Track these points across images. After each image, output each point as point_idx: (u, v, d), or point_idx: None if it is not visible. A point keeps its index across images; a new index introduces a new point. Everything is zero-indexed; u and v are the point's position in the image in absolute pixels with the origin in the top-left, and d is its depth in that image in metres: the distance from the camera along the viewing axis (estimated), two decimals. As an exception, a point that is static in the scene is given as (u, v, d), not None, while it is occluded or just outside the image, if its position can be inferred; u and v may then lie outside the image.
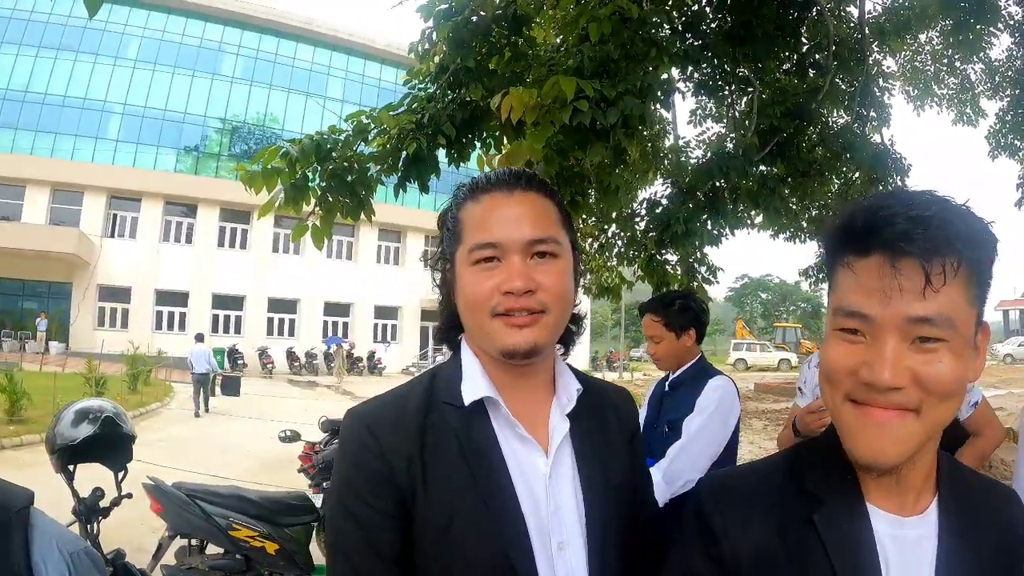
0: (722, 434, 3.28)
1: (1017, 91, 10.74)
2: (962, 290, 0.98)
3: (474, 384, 1.36)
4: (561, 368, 1.46)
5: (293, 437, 6.04)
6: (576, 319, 1.48)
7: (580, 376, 1.49)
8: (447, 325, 1.46)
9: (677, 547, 1.20)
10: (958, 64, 11.37)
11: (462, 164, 7.27)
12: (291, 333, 39.06)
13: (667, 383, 3.66)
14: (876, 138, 9.12)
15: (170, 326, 36.10)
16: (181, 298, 36.27)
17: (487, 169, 6.19)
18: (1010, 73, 10.93)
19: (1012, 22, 9.90)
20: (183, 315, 36.39)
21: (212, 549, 4.75)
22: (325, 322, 40.23)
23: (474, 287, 1.32)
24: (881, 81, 9.80)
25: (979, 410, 3.20)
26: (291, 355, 36.24)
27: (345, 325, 41.01)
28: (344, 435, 1.36)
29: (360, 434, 1.32)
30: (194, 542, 4.75)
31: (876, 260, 0.99)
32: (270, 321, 38.48)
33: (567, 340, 1.49)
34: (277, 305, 38.73)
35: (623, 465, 1.46)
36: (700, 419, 3.26)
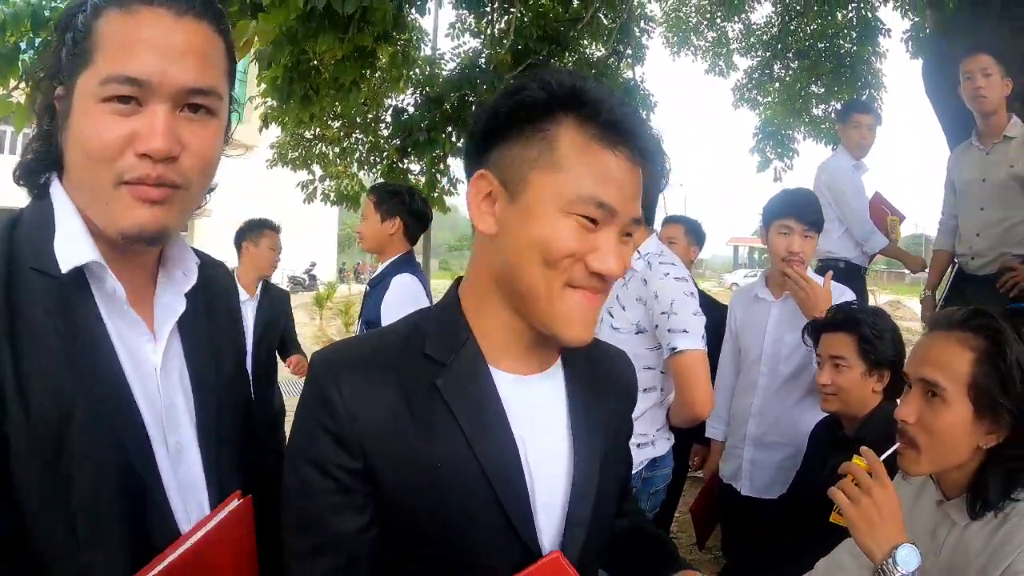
0: None
1: (768, 53, 11.90)
2: None
3: (74, 245, 1.08)
4: (176, 241, 1.26)
5: None
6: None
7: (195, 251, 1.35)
8: (36, 161, 1.15)
9: (300, 431, 1.15)
10: (719, 20, 12.35)
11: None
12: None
13: (368, 282, 3.78)
14: (629, 74, 9.61)
15: None
16: None
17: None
18: (765, 37, 12.08)
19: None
20: None
21: None
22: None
23: (98, 133, 1.04)
24: (643, 22, 10.25)
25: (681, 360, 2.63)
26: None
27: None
28: None
29: None
30: None
31: (626, 157, 1.08)
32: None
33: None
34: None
35: (233, 352, 1.38)
36: (385, 317, 3.33)
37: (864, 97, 10.69)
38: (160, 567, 1.02)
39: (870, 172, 5.03)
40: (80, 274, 1.08)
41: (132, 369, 1.12)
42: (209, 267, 1.35)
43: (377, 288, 3.60)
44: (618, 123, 1.07)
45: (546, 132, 1.08)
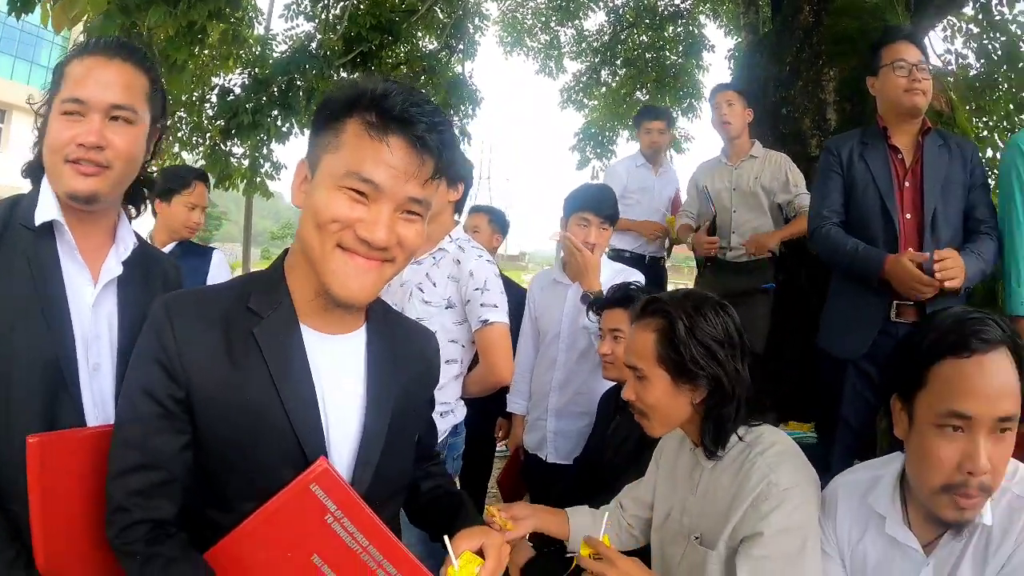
0: None
1: (597, 59, 12.62)
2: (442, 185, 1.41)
3: (46, 209, 1.62)
4: (124, 223, 1.78)
5: None
6: (149, 183, 1.91)
7: (140, 238, 1.83)
8: (36, 163, 1.71)
9: (136, 363, 1.37)
10: (553, 25, 12.94)
11: (24, 15, 6.54)
12: None
13: None
14: (459, 68, 9.76)
15: None
16: None
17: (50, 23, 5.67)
18: (596, 44, 12.76)
19: (611, 4, 11.78)
20: None
21: None
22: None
23: (56, 134, 1.60)
24: (477, 20, 10.43)
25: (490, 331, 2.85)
26: None
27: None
28: None
29: None
30: None
31: (402, 143, 1.27)
32: None
33: (137, 201, 1.89)
34: None
35: None
36: None
37: (685, 105, 11.37)
38: (63, 433, 1.46)
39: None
40: (50, 230, 1.61)
41: (72, 300, 1.61)
42: (158, 258, 1.91)
43: (182, 267, 3.66)
44: (392, 116, 1.27)
45: (340, 125, 1.30)
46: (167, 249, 3.82)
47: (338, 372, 1.43)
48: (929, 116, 4.49)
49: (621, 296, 2.78)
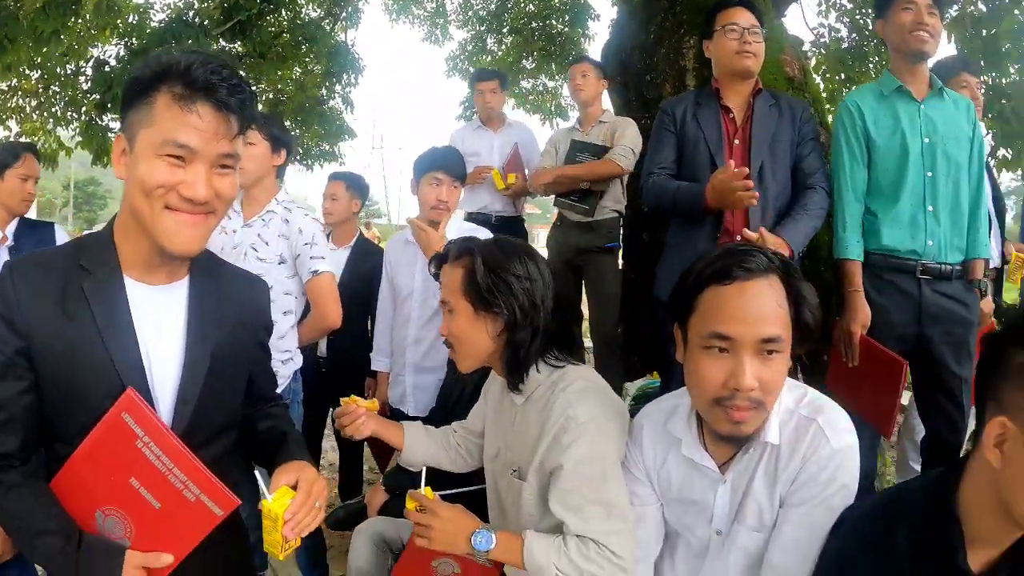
0: None
1: (482, 27, 12.82)
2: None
3: None
4: None
5: None
6: None
7: None
8: None
9: None
10: None
11: None
12: None
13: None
14: (342, 36, 9.71)
15: None
16: None
17: None
18: (482, 12, 12.93)
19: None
20: None
21: None
22: None
23: None
24: (360, -13, 10.36)
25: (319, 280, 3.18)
26: None
27: None
28: None
29: None
30: None
31: (208, 108, 1.44)
32: None
33: None
34: None
35: None
36: None
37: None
38: None
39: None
40: None
41: None
42: None
43: (28, 242, 3.98)
44: (197, 86, 1.43)
45: (150, 99, 1.44)
46: (11, 227, 3.98)
47: (161, 319, 1.60)
48: (781, 82, 4.80)
49: None
